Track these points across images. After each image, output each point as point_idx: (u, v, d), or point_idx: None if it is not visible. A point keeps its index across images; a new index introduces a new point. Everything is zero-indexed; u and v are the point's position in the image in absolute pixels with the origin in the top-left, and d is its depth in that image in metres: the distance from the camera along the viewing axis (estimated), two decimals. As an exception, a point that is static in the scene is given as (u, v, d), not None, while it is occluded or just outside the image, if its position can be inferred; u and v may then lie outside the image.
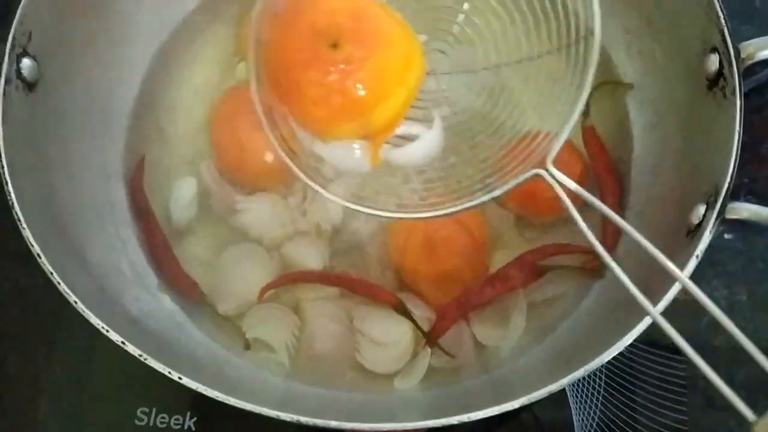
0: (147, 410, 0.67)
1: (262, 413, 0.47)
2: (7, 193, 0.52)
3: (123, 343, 0.48)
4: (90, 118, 0.66)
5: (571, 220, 0.57)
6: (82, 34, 0.65)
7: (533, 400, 0.47)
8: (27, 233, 0.51)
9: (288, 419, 0.47)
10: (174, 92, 0.72)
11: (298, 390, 0.61)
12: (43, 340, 0.71)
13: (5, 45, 0.56)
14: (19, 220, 0.51)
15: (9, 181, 0.53)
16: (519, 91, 0.54)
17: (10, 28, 0.56)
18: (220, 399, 0.47)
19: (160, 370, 0.48)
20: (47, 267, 0.50)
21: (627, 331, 0.49)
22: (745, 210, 0.51)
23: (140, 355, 0.48)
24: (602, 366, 0.49)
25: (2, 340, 0.71)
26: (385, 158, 0.54)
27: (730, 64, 0.54)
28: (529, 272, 0.62)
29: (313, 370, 0.62)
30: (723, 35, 0.55)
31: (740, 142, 0.52)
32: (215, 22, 0.74)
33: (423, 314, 0.62)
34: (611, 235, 0.61)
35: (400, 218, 0.50)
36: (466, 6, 0.55)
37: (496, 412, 0.47)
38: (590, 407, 0.65)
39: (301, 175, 0.51)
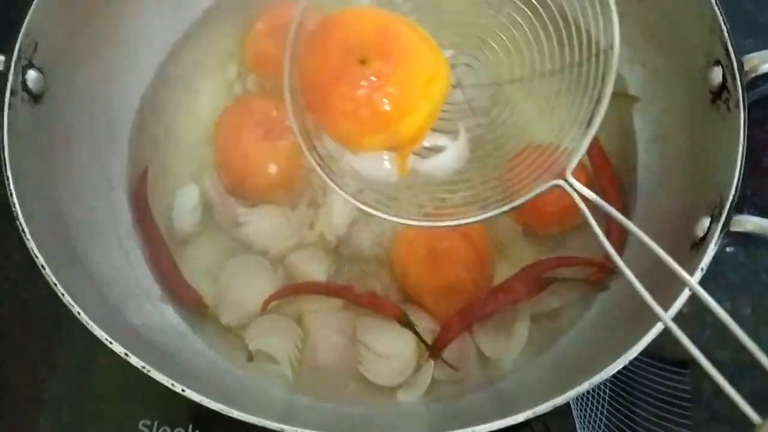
0: (149, 423, 0.67)
1: (265, 426, 0.47)
2: (12, 205, 0.53)
3: (126, 354, 0.48)
4: (94, 130, 0.67)
5: (575, 232, 0.62)
6: (88, 46, 0.65)
7: (538, 414, 0.47)
8: (31, 244, 0.51)
9: (291, 432, 0.47)
10: (178, 104, 0.72)
11: (301, 402, 0.61)
12: (44, 352, 0.70)
13: (11, 56, 0.56)
14: (24, 231, 0.52)
15: (14, 192, 0.53)
16: (538, 104, 0.56)
17: (16, 39, 0.57)
18: (222, 411, 0.47)
19: (163, 382, 0.48)
20: (51, 278, 0.50)
21: (632, 345, 0.49)
22: (749, 223, 0.52)
23: (143, 367, 0.48)
24: (606, 379, 0.49)
25: (4, 351, 0.71)
26: (413, 168, 0.56)
27: (734, 77, 0.55)
28: (532, 284, 0.62)
29: (316, 382, 0.62)
30: (726, 48, 0.55)
31: (744, 154, 0.52)
32: (219, 35, 0.75)
33: (426, 326, 0.62)
34: (616, 247, 0.60)
35: (424, 226, 0.51)
36: (490, 22, 0.57)
37: (501, 426, 0.47)
38: (595, 420, 0.65)
39: (331, 184, 0.53)
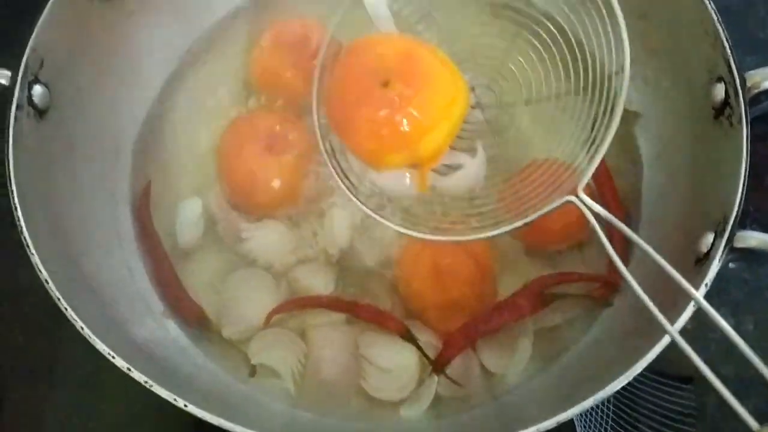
0: (151, 438, 0.67)
1: (267, 441, 0.47)
2: (17, 219, 0.53)
3: (129, 369, 0.48)
4: (99, 144, 0.67)
5: (577, 249, 0.63)
6: (93, 62, 0.66)
7: (542, 430, 0.47)
8: (35, 259, 0.51)
9: (293, 447, 0.47)
10: (182, 119, 0.73)
11: (303, 418, 0.61)
12: (47, 367, 0.70)
13: (17, 72, 0.57)
14: (28, 246, 0.52)
15: (18, 206, 0.53)
16: (551, 124, 0.59)
17: (22, 55, 0.57)
18: (224, 426, 0.47)
19: (166, 397, 0.48)
20: (55, 293, 0.50)
21: (636, 360, 0.49)
22: (753, 239, 0.52)
23: (145, 382, 0.48)
24: (611, 395, 0.48)
25: (6, 366, 0.71)
26: (433, 185, 0.59)
27: (736, 93, 0.55)
28: (536, 300, 0.61)
29: (319, 397, 0.62)
30: (729, 65, 0.56)
31: (748, 170, 0.52)
32: (224, 51, 0.75)
33: (429, 341, 0.62)
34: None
35: (441, 241, 0.54)
36: (508, 47, 0.60)
37: (505, 442, 0.47)
38: (598, 437, 0.65)
39: (353, 198, 0.57)
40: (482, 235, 0.52)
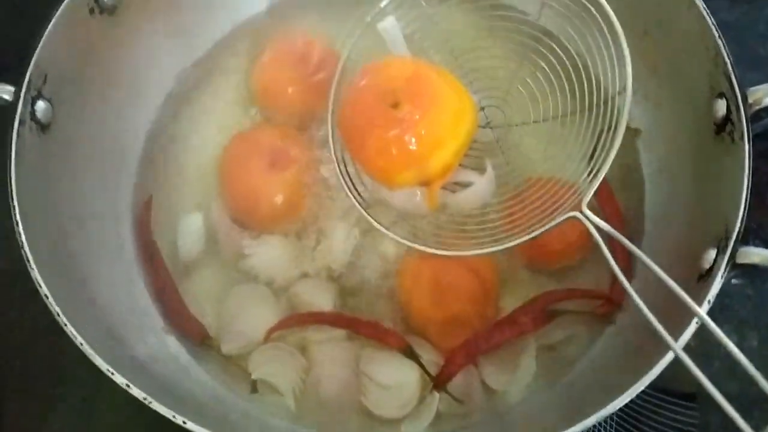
0: (151, 454, 0.66)
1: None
2: (18, 234, 0.53)
3: (128, 385, 0.48)
4: (101, 159, 0.67)
5: (578, 267, 0.64)
6: (97, 77, 0.66)
7: (545, 449, 0.47)
8: (36, 274, 0.51)
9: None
10: (184, 134, 0.73)
11: (304, 435, 0.60)
12: (47, 383, 0.70)
13: (21, 87, 0.57)
14: (29, 261, 0.52)
15: (20, 221, 0.53)
16: (557, 142, 0.60)
17: (26, 70, 0.58)
18: (224, 443, 0.47)
19: (165, 413, 0.47)
20: (54, 308, 0.50)
21: (639, 378, 0.48)
22: (756, 255, 0.52)
23: (144, 398, 0.47)
24: (614, 412, 0.48)
25: (6, 382, 0.71)
26: (443, 202, 0.61)
27: (738, 109, 0.55)
28: (538, 317, 0.61)
29: (319, 414, 0.62)
30: (730, 81, 0.56)
31: (750, 186, 0.52)
32: (227, 66, 0.76)
33: (430, 358, 0.61)
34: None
35: (449, 255, 0.57)
36: (517, 68, 0.63)
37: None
38: (601, 455, 0.64)
39: (365, 214, 0.59)
40: (489, 250, 0.54)
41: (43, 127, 0.59)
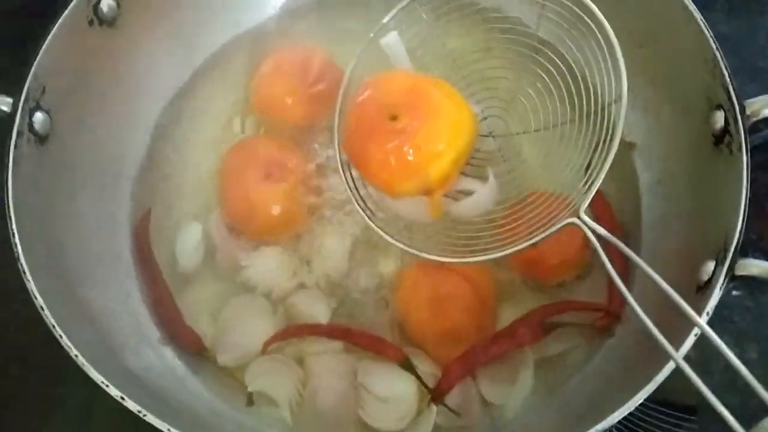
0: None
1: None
2: (14, 245, 0.53)
3: (122, 398, 0.47)
4: (100, 170, 0.67)
5: (576, 282, 0.64)
6: (96, 88, 0.67)
7: (543, 462, 0.46)
8: (31, 285, 0.51)
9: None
10: (183, 145, 0.73)
11: (300, 448, 0.60)
12: (44, 395, 0.69)
13: (19, 99, 0.57)
14: (24, 272, 0.52)
15: (16, 233, 0.53)
16: (556, 149, 0.61)
17: (24, 82, 0.58)
18: (220, 457, 0.46)
19: (160, 426, 0.47)
20: (50, 320, 0.50)
21: (638, 390, 0.48)
22: (754, 267, 0.51)
23: (139, 411, 0.47)
24: (613, 425, 0.48)
25: (3, 393, 0.70)
26: (447, 211, 0.62)
27: (736, 121, 0.55)
28: (536, 329, 0.61)
29: (316, 427, 0.61)
30: (728, 92, 0.56)
31: (748, 197, 0.52)
32: (225, 77, 0.76)
33: (428, 370, 0.61)
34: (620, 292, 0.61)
35: (453, 263, 0.57)
36: (516, 78, 0.64)
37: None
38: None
39: (371, 224, 0.60)
40: (490, 257, 0.55)
41: (41, 138, 0.59)
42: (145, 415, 0.47)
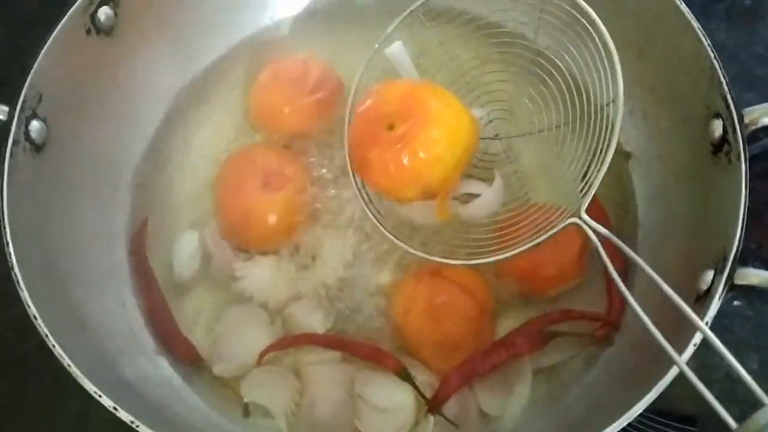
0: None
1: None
2: (8, 255, 0.52)
3: (115, 408, 0.47)
4: (96, 180, 0.67)
5: (574, 293, 0.64)
6: (93, 97, 0.67)
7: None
8: (24, 294, 0.51)
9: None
10: (180, 154, 0.73)
11: (296, 460, 0.60)
12: (39, 406, 0.69)
13: (15, 107, 0.57)
14: (18, 282, 0.51)
15: (10, 243, 0.53)
16: (560, 150, 0.61)
17: (21, 90, 0.58)
18: (215, 469, 0.46)
19: (153, 437, 0.47)
20: (43, 329, 0.50)
21: (637, 400, 0.48)
22: (754, 276, 0.51)
23: (132, 422, 0.47)
24: (612, 437, 0.47)
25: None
26: (455, 213, 0.64)
27: (734, 130, 0.55)
28: (535, 339, 0.60)
29: (312, 439, 0.61)
30: (726, 101, 0.56)
31: (747, 206, 0.52)
32: (224, 86, 0.76)
33: (425, 380, 0.61)
34: (619, 302, 0.61)
35: (459, 264, 0.58)
36: (520, 82, 0.66)
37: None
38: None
39: (382, 229, 0.61)
40: (493, 259, 0.56)
41: (38, 147, 0.59)
42: (138, 426, 0.47)
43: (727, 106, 0.56)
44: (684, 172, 0.63)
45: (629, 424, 0.48)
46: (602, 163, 0.52)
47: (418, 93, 0.60)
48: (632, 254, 0.49)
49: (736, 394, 0.42)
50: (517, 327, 0.61)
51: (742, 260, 0.52)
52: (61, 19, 0.61)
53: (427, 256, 0.59)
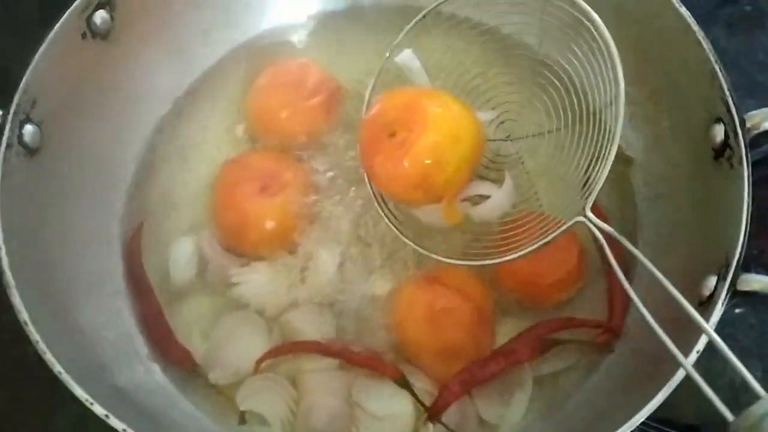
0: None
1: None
2: (0, 258, 0.52)
3: (107, 416, 0.46)
4: (91, 185, 0.67)
5: (573, 302, 0.64)
6: (88, 101, 0.66)
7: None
8: (16, 300, 0.51)
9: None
10: (177, 159, 0.72)
11: (292, 470, 0.59)
12: (35, 414, 0.68)
13: (8, 111, 0.57)
14: (9, 287, 0.51)
15: (2, 246, 0.52)
16: (567, 149, 0.61)
17: (14, 93, 0.57)
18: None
19: (145, 445, 0.46)
20: (34, 335, 0.49)
21: (640, 408, 0.47)
22: (757, 282, 0.51)
23: (123, 430, 0.46)
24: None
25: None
26: (467, 214, 0.64)
27: (736, 134, 0.55)
28: (535, 346, 0.60)
29: (309, 447, 0.60)
30: (728, 105, 0.56)
31: (750, 211, 0.52)
32: (221, 91, 0.75)
33: (424, 388, 0.60)
34: (622, 308, 0.61)
35: (469, 265, 0.59)
36: (527, 84, 0.66)
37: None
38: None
39: (397, 232, 0.63)
40: (500, 260, 0.56)
41: (31, 151, 0.59)
42: (129, 434, 0.46)
43: (729, 111, 0.56)
44: (685, 178, 0.63)
45: (631, 432, 0.47)
46: (605, 161, 0.52)
47: (418, 100, 0.61)
48: (636, 252, 0.49)
49: (739, 402, 0.41)
50: (517, 334, 0.61)
51: (745, 266, 0.51)
52: (57, 23, 0.60)
53: (442, 259, 0.60)
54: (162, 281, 0.66)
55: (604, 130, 0.54)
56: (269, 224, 0.65)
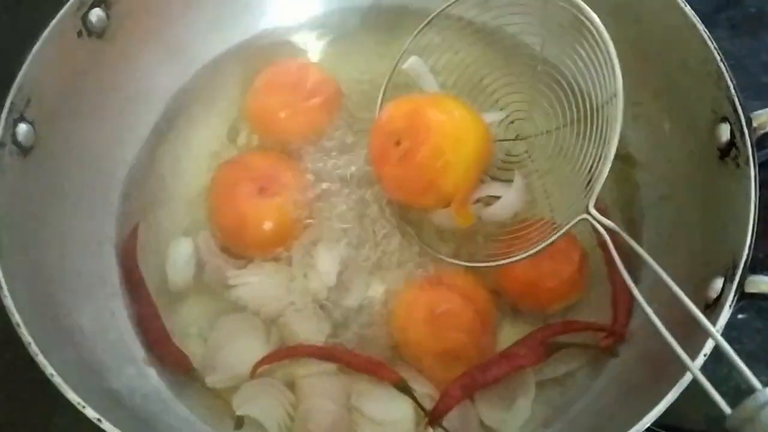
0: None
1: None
2: (-8, 261, 0.51)
3: (99, 420, 0.46)
4: (86, 184, 0.66)
5: (574, 307, 0.63)
6: (83, 100, 0.65)
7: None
8: (9, 302, 0.50)
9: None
10: (173, 160, 0.72)
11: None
12: (32, 420, 0.67)
13: (2, 110, 0.56)
14: (2, 288, 0.50)
15: (-5, 247, 0.51)
16: (572, 146, 0.61)
17: (8, 92, 0.57)
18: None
19: (138, 450, 0.45)
20: (26, 337, 0.48)
21: (644, 414, 0.47)
22: (764, 284, 0.50)
23: (116, 435, 0.45)
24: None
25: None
26: (478, 215, 0.65)
27: (742, 134, 0.54)
28: (538, 350, 0.59)
29: (306, 454, 0.59)
30: (734, 105, 0.55)
31: (757, 212, 0.51)
32: (218, 91, 0.75)
33: (425, 391, 0.60)
34: (624, 313, 0.60)
35: (479, 267, 0.61)
36: (532, 84, 0.67)
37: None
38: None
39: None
40: (513, 259, 0.57)
41: (25, 150, 0.58)
42: (122, 439, 0.45)
43: (735, 110, 0.55)
44: (690, 179, 0.62)
45: (635, 440, 0.47)
46: (607, 158, 0.52)
47: (421, 108, 0.62)
48: (640, 250, 0.49)
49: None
50: (520, 338, 0.60)
51: (752, 269, 0.51)
52: (52, 21, 0.60)
53: (456, 261, 0.61)
54: (159, 283, 0.65)
55: (607, 127, 0.54)
56: (268, 225, 0.64)
